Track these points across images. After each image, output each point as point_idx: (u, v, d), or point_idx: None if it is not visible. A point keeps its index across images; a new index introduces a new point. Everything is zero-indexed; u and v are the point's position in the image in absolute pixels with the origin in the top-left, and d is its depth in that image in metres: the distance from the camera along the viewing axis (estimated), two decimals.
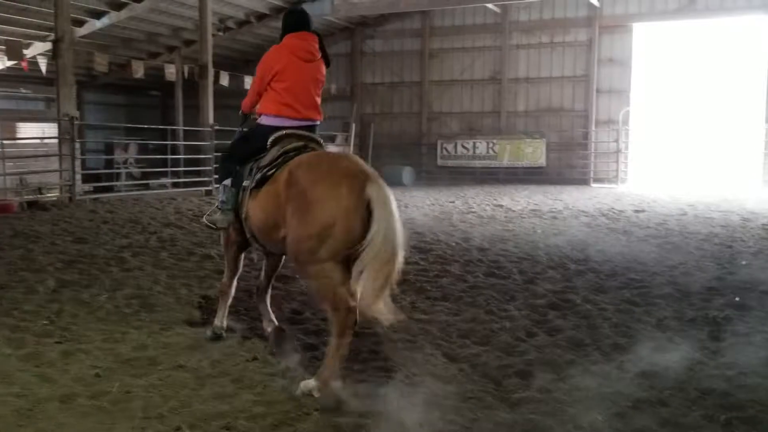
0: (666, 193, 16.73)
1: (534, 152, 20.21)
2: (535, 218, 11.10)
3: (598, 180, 19.94)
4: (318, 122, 4.08)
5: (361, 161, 3.53)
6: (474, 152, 20.89)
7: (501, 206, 13.04)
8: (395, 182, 19.17)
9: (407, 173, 20.04)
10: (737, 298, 5.41)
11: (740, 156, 18.32)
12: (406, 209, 12.63)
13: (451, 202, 14.04)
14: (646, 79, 19.88)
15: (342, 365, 3.33)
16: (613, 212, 11.97)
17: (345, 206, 3.26)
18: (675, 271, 6.61)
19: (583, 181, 19.93)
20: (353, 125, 20.96)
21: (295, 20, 4.02)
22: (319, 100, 4.07)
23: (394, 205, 3.32)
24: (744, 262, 7.07)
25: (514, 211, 12.29)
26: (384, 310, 3.20)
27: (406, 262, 6.38)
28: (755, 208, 12.70)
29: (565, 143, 20.59)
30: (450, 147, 21.25)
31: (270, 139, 3.90)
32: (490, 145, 20.70)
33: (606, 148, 20.22)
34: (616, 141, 19.53)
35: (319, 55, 4.03)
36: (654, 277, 6.38)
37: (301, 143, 3.85)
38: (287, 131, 3.90)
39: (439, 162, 21.35)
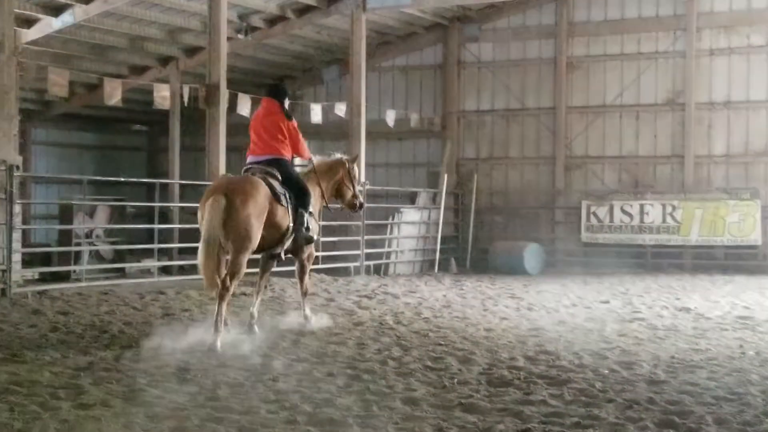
0: None
1: (743, 222, 20.06)
2: (744, 331, 10.96)
3: None
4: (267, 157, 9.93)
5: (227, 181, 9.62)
6: (642, 221, 20.85)
7: (687, 310, 12.95)
8: (513, 268, 19.30)
9: (532, 254, 20.09)
10: None
11: None
12: (530, 312, 12.68)
13: (604, 302, 13.97)
14: None
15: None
16: None
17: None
18: None
19: None
20: (445, 177, 21.38)
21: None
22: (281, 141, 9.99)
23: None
24: None
25: (708, 318, 12.12)
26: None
27: (518, 401, 6.84)
28: None
29: None
30: (602, 212, 21.23)
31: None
32: (669, 209, 20.69)
33: None
34: None
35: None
36: None
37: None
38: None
39: (584, 236, 21.37)
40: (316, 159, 10.93)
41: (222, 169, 15.81)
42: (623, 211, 21.00)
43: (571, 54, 22.20)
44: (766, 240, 20.05)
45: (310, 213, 10.14)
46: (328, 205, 11.03)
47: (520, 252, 19.82)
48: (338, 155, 11.28)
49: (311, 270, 11.56)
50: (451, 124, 23.12)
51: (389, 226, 19.77)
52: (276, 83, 10.71)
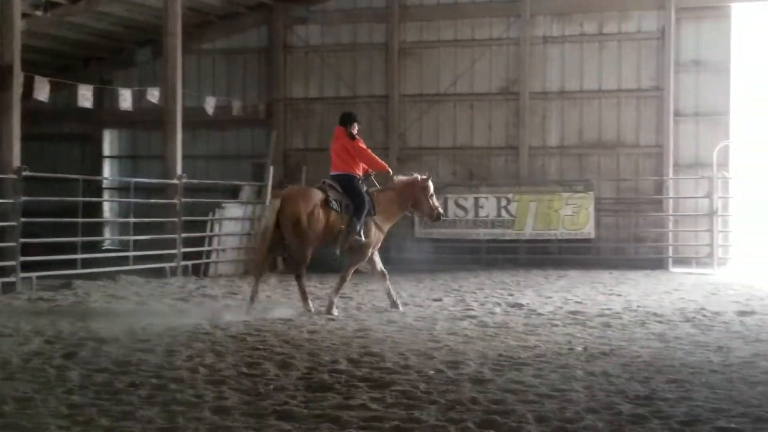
0: None
1: (576, 215, 20.75)
2: (575, 326, 11.32)
3: (681, 261, 20.47)
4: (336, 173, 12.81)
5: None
6: (477, 215, 21.35)
7: (520, 306, 13.31)
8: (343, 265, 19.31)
9: None
10: None
11: None
12: (358, 312, 12.76)
13: (436, 300, 14.18)
14: (754, 94, 20.72)
15: None
16: (704, 315, 12.27)
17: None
18: None
19: (658, 263, 20.42)
20: (271, 169, 21.22)
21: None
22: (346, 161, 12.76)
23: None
24: None
25: (540, 314, 12.48)
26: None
27: (337, 406, 6.83)
28: None
29: (626, 200, 21.27)
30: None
31: None
32: (503, 203, 21.19)
33: (693, 207, 20.85)
34: (709, 196, 20.19)
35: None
36: (759, 426, 6.47)
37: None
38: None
39: (418, 232, 21.66)
40: (397, 178, 13.47)
41: (14, 158, 15.19)
42: (458, 205, 21.36)
43: (403, 39, 22.52)
44: (600, 233, 20.92)
45: (367, 221, 12.68)
46: (425, 218, 14.04)
47: None
48: (415, 174, 13.44)
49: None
50: (278, 113, 23.03)
51: (209, 223, 19.44)
52: (344, 112, 13.28)
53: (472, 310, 12.94)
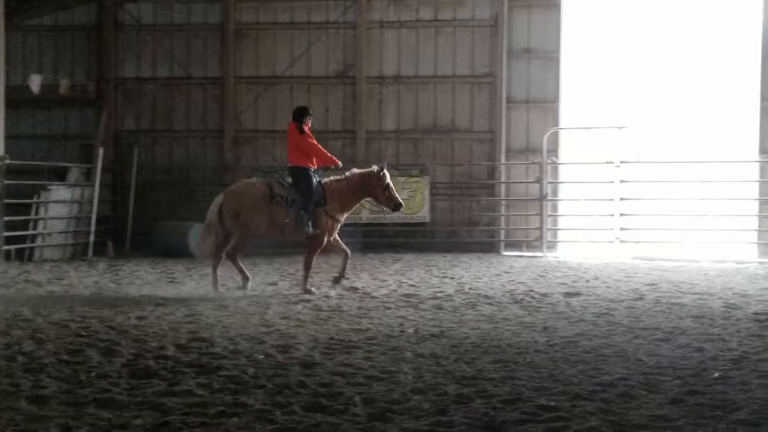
0: (617, 263, 17.97)
1: (412, 199, 20.92)
2: (407, 309, 11.60)
3: (512, 244, 21.11)
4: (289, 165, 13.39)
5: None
6: None
7: (355, 290, 13.56)
8: (177, 251, 19.00)
9: (196, 234, 19.82)
10: None
11: (729, 206, 20.11)
12: (189, 298, 12.56)
13: (271, 284, 14.24)
14: (583, 81, 21.47)
15: None
16: (532, 297, 12.78)
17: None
18: (610, 392, 7.08)
19: (490, 247, 21.00)
20: (100, 150, 20.60)
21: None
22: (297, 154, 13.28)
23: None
24: (717, 374, 7.72)
25: (374, 297, 12.76)
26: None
27: (161, 392, 6.75)
28: (747, 288, 13.93)
29: (460, 185, 21.70)
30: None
31: None
32: None
33: (524, 192, 21.48)
34: (539, 181, 20.86)
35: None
36: (576, 403, 6.76)
37: None
38: None
39: None
40: (352, 171, 13.77)
41: None
42: None
43: (239, 20, 22.24)
44: (434, 217, 21.25)
45: (318, 212, 13.18)
46: (385, 208, 14.38)
47: (184, 233, 19.47)
48: (373, 167, 13.74)
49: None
50: (108, 93, 22.33)
51: (34, 206, 18.69)
52: (297, 107, 13.96)
53: (307, 293, 12.95)
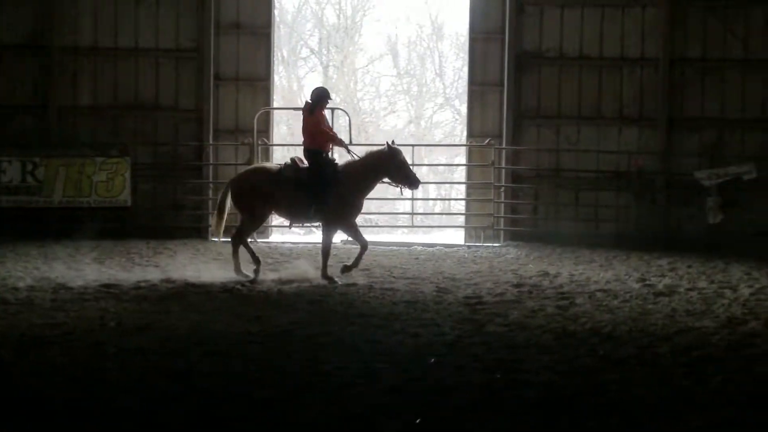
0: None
1: (111, 181, 20.13)
2: (108, 300, 11.34)
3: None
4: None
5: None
6: None
7: (48, 280, 12.92)
8: None
9: None
10: (418, 420, 6.05)
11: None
12: None
13: None
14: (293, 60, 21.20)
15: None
16: (242, 285, 12.77)
17: None
18: (332, 382, 7.11)
19: (197, 232, 20.37)
20: None
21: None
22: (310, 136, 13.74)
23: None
24: (433, 360, 8.01)
25: (70, 288, 12.27)
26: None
27: None
28: (456, 272, 14.52)
29: (164, 166, 20.67)
30: None
31: None
32: (29, 167, 20.02)
33: (233, 174, 20.70)
34: (249, 163, 20.16)
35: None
36: (300, 395, 6.69)
37: None
38: None
39: None
40: (369, 151, 14.06)
41: None
42: None
43: None
44: (136, 201, 20.26)
45: (332, 194, 13.27)
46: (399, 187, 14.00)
47: None
48: (386, 144, 13.87)
49: None
50: None
51: None
52: (314, 89, 14.04)
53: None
